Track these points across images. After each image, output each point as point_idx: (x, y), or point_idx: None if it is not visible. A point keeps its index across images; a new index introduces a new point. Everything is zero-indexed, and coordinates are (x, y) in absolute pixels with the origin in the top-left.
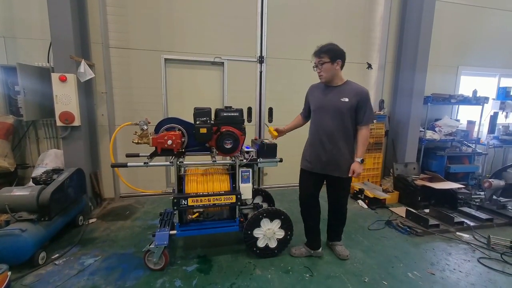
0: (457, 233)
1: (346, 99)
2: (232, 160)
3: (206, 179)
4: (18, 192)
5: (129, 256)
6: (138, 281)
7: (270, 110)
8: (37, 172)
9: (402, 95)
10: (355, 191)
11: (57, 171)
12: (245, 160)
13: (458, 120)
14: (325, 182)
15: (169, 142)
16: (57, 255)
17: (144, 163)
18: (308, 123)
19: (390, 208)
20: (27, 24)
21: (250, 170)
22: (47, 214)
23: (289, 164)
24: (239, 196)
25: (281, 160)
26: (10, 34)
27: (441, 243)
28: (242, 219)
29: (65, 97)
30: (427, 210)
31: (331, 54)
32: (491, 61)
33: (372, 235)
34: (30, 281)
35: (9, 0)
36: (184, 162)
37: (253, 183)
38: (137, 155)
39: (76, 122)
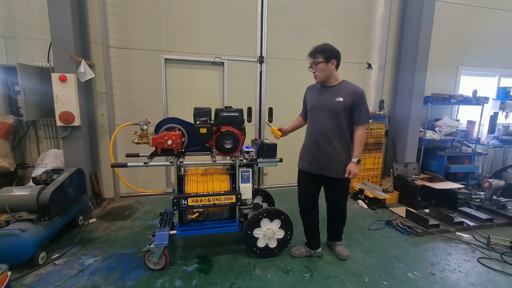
0: (457, 233)
1: (341, 99)
2: (232, 160)
3: (206, 179)
4: (18, 192)
5: (129, 256)
6: (138, 281)
7: (270, 110)
8: (37, 172)
9: (402, 95)
10: (355, 191)
11: (57, 171)
12: (245, 160)
13: (458, 120)
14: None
15: (169, 142)
16: (57, 255)
17: (144, 163)
18: None
19: (390, 208)
20: (27, 24)
21: (250, 170)
22: (47, 214)
23: (289, 164)
24: (239, 196)
25: (281, 160)
26: (10, 34)
27: (441, 243)
28: (242, 219)
29: (65, 97)
30: (427, 210)
31: (325, 54)
32: (491, 61)
33: (372, 235)
34: (30, 281)
35: (9, 0)
36: (184, 162)
37: (253, 183)
38: (137, 155)
39: (76, 122)
